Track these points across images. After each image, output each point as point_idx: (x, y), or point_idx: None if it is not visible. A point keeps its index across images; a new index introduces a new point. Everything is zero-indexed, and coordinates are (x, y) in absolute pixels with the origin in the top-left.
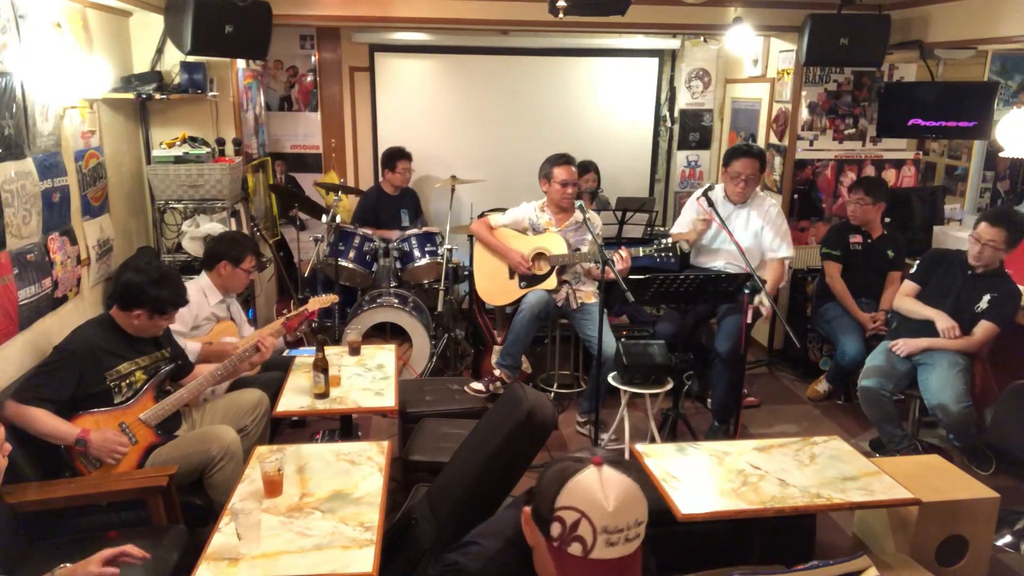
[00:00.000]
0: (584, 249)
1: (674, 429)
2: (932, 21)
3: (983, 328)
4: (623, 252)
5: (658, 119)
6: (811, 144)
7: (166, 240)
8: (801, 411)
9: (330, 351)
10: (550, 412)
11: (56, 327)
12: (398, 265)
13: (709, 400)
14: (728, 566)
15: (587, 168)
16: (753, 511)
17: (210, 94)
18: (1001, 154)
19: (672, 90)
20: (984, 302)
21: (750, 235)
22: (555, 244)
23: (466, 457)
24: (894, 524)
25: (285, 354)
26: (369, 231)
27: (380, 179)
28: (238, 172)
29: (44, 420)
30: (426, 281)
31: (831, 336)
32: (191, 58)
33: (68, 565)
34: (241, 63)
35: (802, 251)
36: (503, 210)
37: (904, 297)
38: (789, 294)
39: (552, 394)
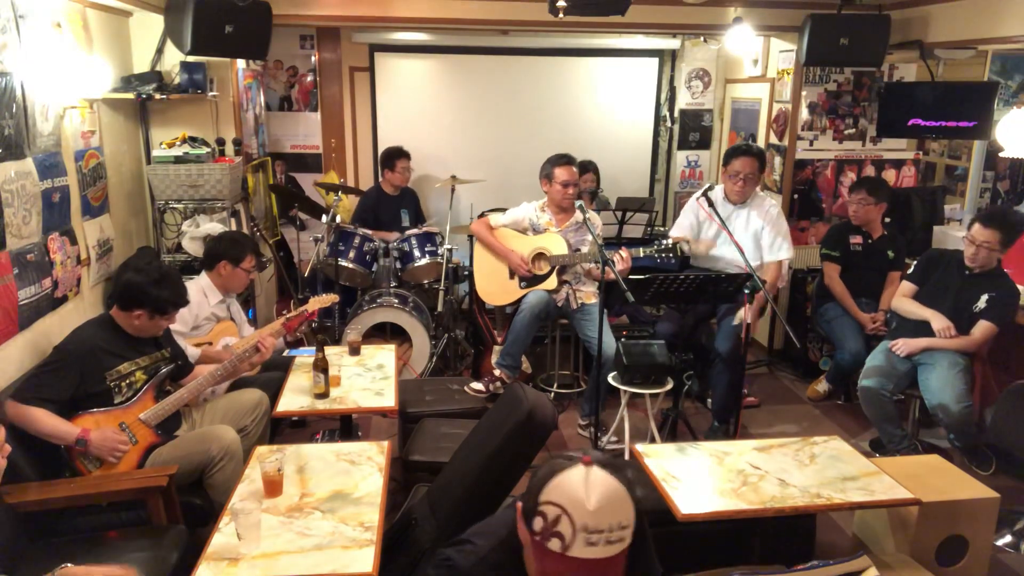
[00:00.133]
0: (584, 249)
1: (674, 429)
2: (932, 21)
3: (982, 328)
4: (623, 252)
5: (658, 119)
6: (811, 144)
7: (166, 240)
8: (801, 411)
9: (330, 351)
10: (550, 412)
11: (56, 327)
12: (398, 265)
13: (709, 400)
14: (728, 566)
15: (587, 168)
16: (753, 511)
17: (210, 94)
18: (1001, 154)
19: (672, 90)
20: (982, 302)
21: (750, 235)
22: (555, 244)
23: (466, 457)
24: (894, 524)
25: (285, 354)
26: (369, 232)
27: (380, 179)
28: (238, 172)
29: (44, 420)
30: (426, 281)
31: (831, 336)
32: (191, 58)
33: (69, 565)
34: (241, 63)
35: (802, 251)
36: (503, 210)
37: (902, 298)
38: (789, 294)
39: (552, 394)
